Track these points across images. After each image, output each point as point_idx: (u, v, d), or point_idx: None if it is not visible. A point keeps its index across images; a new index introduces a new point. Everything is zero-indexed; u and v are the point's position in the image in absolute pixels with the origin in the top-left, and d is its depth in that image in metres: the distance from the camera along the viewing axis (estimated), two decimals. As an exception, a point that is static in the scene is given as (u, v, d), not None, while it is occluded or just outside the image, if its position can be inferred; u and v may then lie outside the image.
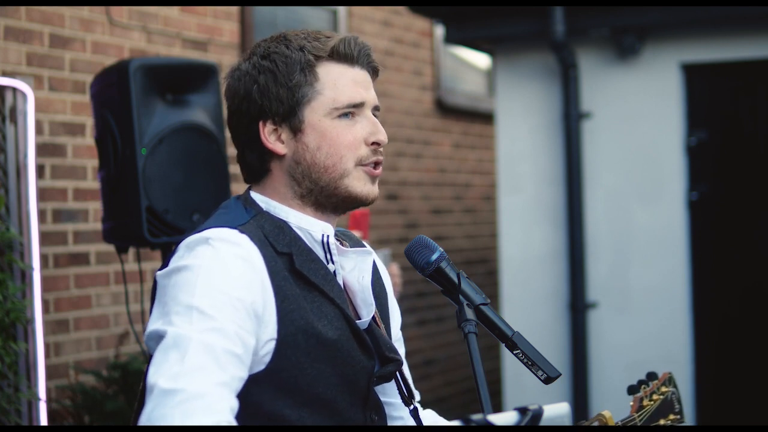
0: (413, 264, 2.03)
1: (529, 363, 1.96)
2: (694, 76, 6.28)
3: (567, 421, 1.72)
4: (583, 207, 6.36)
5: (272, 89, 1.99)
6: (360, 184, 2.02)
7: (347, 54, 2.01)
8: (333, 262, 2.02)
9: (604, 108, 6.36)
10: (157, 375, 1.71)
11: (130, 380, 4.72)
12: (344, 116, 2.00)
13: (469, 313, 1.95)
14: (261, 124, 2.00)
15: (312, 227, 2.01)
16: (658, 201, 6.26)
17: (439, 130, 8.36)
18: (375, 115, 2.05)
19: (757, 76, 6.22)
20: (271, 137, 2.01)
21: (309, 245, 2.01)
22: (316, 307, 1.95)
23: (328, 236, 2.02)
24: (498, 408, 6.41)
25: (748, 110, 6.30)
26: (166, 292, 1.85)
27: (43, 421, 4.26)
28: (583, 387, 6.27)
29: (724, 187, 6.26)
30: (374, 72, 2.07)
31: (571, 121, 6.32)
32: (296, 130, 2.00)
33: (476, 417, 1.61)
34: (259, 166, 2.04)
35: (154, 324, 1.84)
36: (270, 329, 1.88)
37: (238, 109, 2.02)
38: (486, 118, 8.73)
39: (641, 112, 6.30)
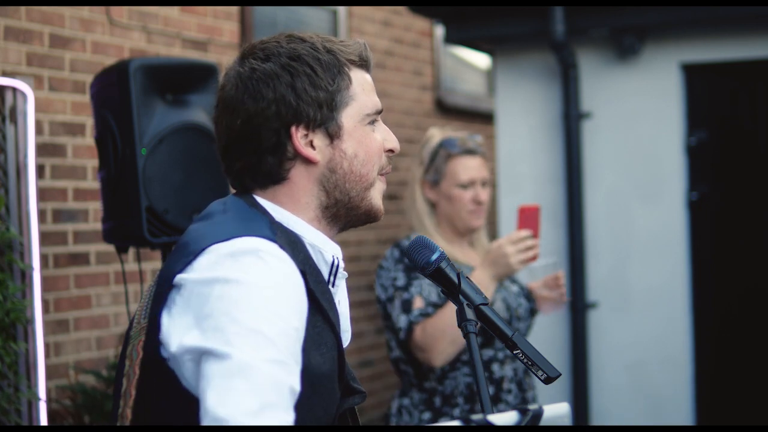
0: (413, 264, 2.03)
1: (529, 363, 1.96)
2: (694, 76, 6.28)
3: (567, 421, 1.72)
4: (583, 207, 6.36)
5: (310, 92, 1.89)
6: (378, 197, 1.99)
7: (367, 61, 2.00)
8: (334, 285, 1.96)
9: (604, 108, 6.36)
10: (228, 407, 1.59)
11: (130, 380, 4.72)
12: (371, 123, 1.98)
13: (469, 313, 1.95)
14: (294, 128, 1.90)
15: (325, 247, 1.93)
16: (658, 201, 6.26)
17: (439, 130, 8.35)
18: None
19: (757, 76, 6.22)
20: (302, 142, 1.91)
21: (317, 265, 1.92)
22: (317, 333, 1.83)
23: (337, 258, 1.95)
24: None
25: (748, 110, 6.30)
26: (209, 303, 1.70)
27: (43, 421, 4.25)
28: (583, 387, 6.26)
29: (724, 187, 6.25)
30: None
31: (571, 121, 6.32)
32: (333, 136, 1.92)
33: (476, 417, 1.61)
34: (276, 172, 1.92)
35: (192, 337, 1.70)
36: None
37: (261, 113, 1.89)
38: (486, 118, 8.72)
39: (641, 112, 6.30)
